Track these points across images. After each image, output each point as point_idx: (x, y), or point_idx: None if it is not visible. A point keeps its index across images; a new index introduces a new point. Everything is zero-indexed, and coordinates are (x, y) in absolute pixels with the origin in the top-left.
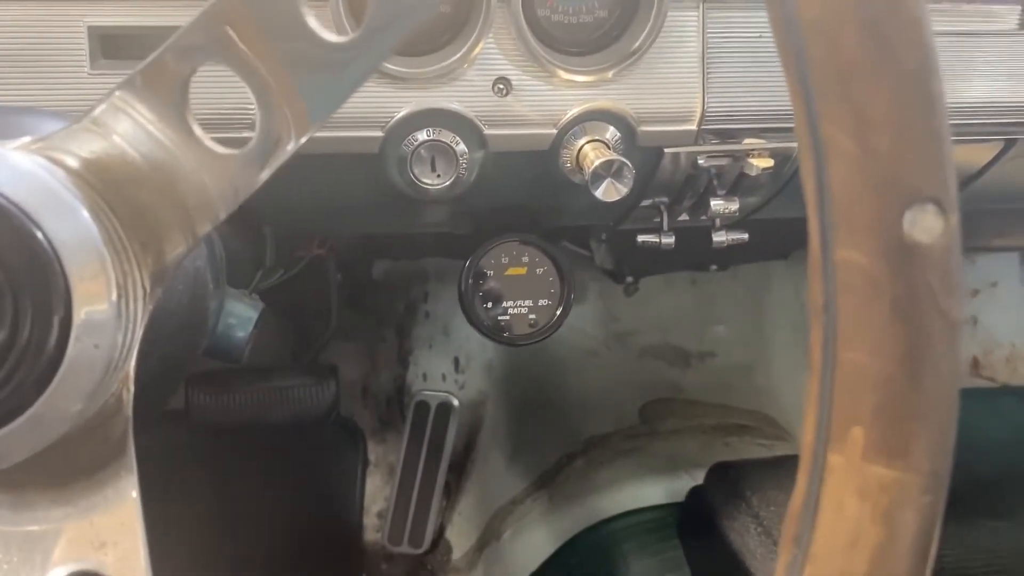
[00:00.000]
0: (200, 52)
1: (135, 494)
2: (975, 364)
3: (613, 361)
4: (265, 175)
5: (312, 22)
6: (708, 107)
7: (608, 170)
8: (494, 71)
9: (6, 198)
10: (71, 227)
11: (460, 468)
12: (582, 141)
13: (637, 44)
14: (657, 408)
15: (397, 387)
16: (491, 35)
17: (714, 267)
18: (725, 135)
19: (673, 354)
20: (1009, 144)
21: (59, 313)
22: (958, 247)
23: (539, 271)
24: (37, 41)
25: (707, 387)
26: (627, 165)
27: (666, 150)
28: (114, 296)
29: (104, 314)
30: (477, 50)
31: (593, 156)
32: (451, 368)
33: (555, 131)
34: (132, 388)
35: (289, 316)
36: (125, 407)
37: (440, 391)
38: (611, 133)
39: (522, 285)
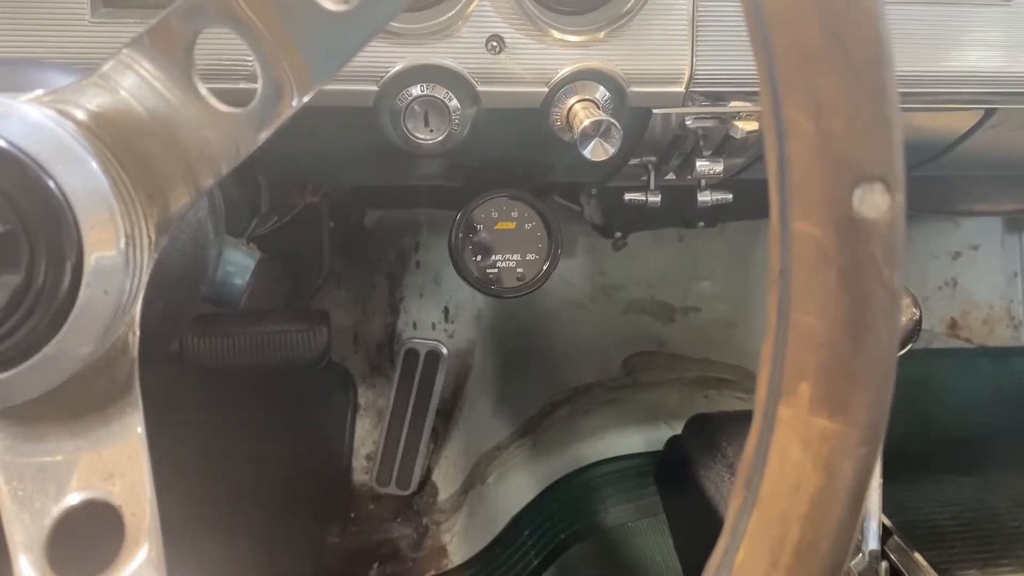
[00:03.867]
0: (205, 14)
1: (140, 429)
2: (952, 325)
3: (599, 314)
4: (266, 134)
5: None
6: (696, 70)
7: (597, 130)
8: (488, 29)
9: (20, 149)
10: (82, 177)
11: (448, 414)
12: (572, 100)
13: (629, 5)
14: (640, 360)
15: (388, 334)
16: None
17: (702, 224)
18: (713, 97)
19: (658, 308)
20: (989, 112)
21: (71, 259)
22: (902, 223)
23: (528, 226)
24: None
25: (690, 341)
26: (615, 125)
27: (654, 111)
28: (122, 244)
29: (113, 261)
30: (472, 7)
31: (583, 115)
32: (441, 317)
33: (546, 89)
34: (137, 332)
35: (282, 262)
36: (131, 349)
37: (429, 339)
38: (601, 93)
39: (511, 239)
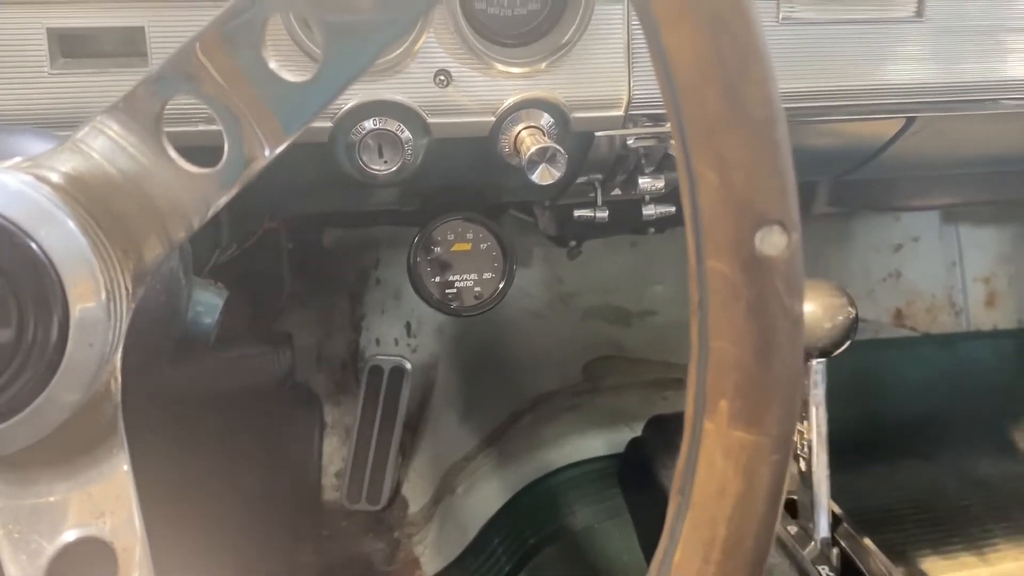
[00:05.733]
0: (174, 84)
1: (126, 468)
2: (898, 315)
3: (558, 322)
4: (234, 191)
5: (273, 65)
6: (634, 94)
7: (543, 156)
8: (435, 64)
9: (3, 216)
10: (62, 238)
11: (414, 428)
12: (519, 127)
13: (567, 37)
14: (600, 366)
15: (351, 352)
16: (431, 30)
17: (652, 230)
18: (652, 119)
19: (615, 314)
20: (910, 120)
21: (58, 314)
22: (800, 258)
23: (483, 246)
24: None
25: (647, 344)
26: (560, 152)
27: (596, 134)
28: (103, 297)
29: (96, 313)
30: (419, 44)
31: (529, 142)
32: (403, 332)
33: (493, 119)
34: (119, 377)
35: (243, 286)
36: (114, 394)
37: (393, 355)
38: (546, 120)
39: (467, 259)
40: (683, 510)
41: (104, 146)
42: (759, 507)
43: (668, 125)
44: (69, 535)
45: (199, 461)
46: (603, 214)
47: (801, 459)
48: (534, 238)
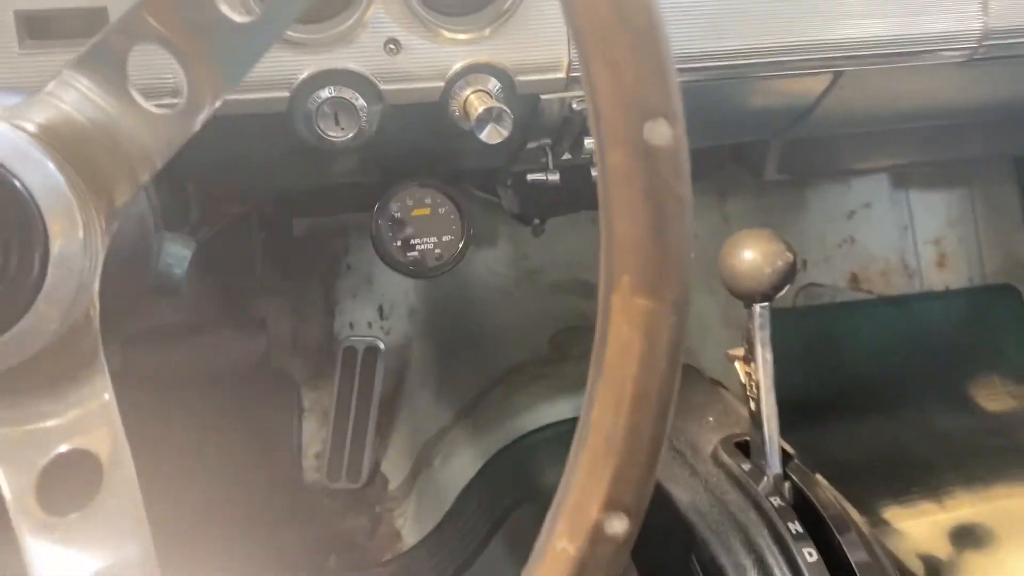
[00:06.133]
0: (131, 34)
1: (108, 394)
2: (854, 279)
3: (525, 297)
4: (194, 129)
5: (223, 7)
6: (574, 57)
7: (490, 116)
8: (384, 33)
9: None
10: (42, 177)
11: (390, 406)
12: (468, 92)
13: (508, 4)
14: (566, 336)
15: (326, 337)
16: (380, 1)
17: None
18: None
19: (580, 287)
20: (837, 75)
21: (39, 245)
22: (685, 148)
23: (441, 210)
24: None
25: None
26: (506, 111)
27: (542, 97)
28: (80, 230)
29: (74, 245)
30: (368, 14)
31: (477, 104)
32: (376, 316)
33: (443, 84)
34: (97, 307)
35: (215, 274)
36: (93, 323)
37: (367, 336)
38: (492, 83)
39: (427, 224)
40: (597, 376)
41: (73, 97)
42: (661, 364)
43: None
44: (57, 448)
45: (176, 446)
46: (555, 177)
47: (751, 400)
48: (499, 217)
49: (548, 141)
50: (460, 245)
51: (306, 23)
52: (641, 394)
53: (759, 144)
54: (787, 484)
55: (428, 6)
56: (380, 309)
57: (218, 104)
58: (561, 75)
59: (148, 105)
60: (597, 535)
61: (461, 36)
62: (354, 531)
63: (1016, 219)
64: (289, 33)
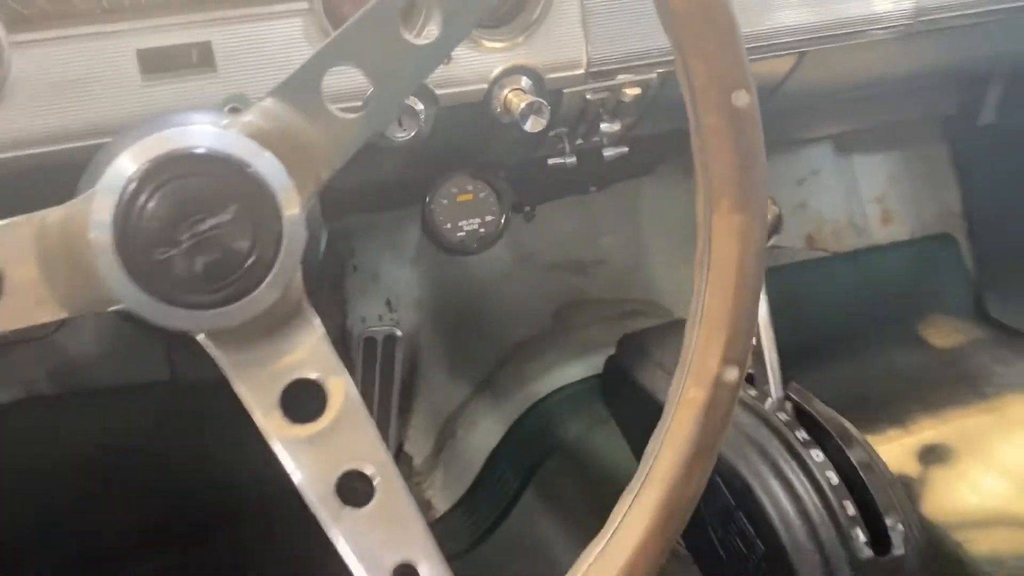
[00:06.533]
0: (328, 61)
1: (321, 331)
2: (809, 240)
3: (524, 278)
4: (368, 135)
5: (406, 35)
6: (591, 57)
7: (531, 109)
8: None
9: (232, 154)
10: (270, 168)
11: (408, 390)
12: (505, 91)
13: (535, 15)
14: (567, 309)
15: (340, 334)
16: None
17: (593, 188)
18: (606, 75)
19: (573, 265)
20: (802, 56)
21: (275, 225)
22: (758, 108)
23: (482, 195)
24: (94, 67)
25: (604, 287)
26: (544, 104)
27: (564, 91)
28: (301, 213)
29: (299, 222)
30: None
31: (516, 100)
32: (385, 309)
33: (486, 86)
34: (300, 270)
35: None
36: (299, 283)
37: (383, 326)
38: (525, 82)
39: (471, 207)
40: (706, 271)
41: (277, 110)
42: (754, 258)
43: (618, 78)
44: (287, 378)
45: (213, 447)
46: (572, 159)
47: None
48: None
49: (565, 129)
50: (500, 223)
51: None
52: (742, 280)
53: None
54: (788, 404)
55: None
56: (388, 302)
57: (397, 113)
58: (581, 71)
59: (338, 112)
60: (718, 382)
61: (499, 44)
62: None
63: (948, 174)
64: None
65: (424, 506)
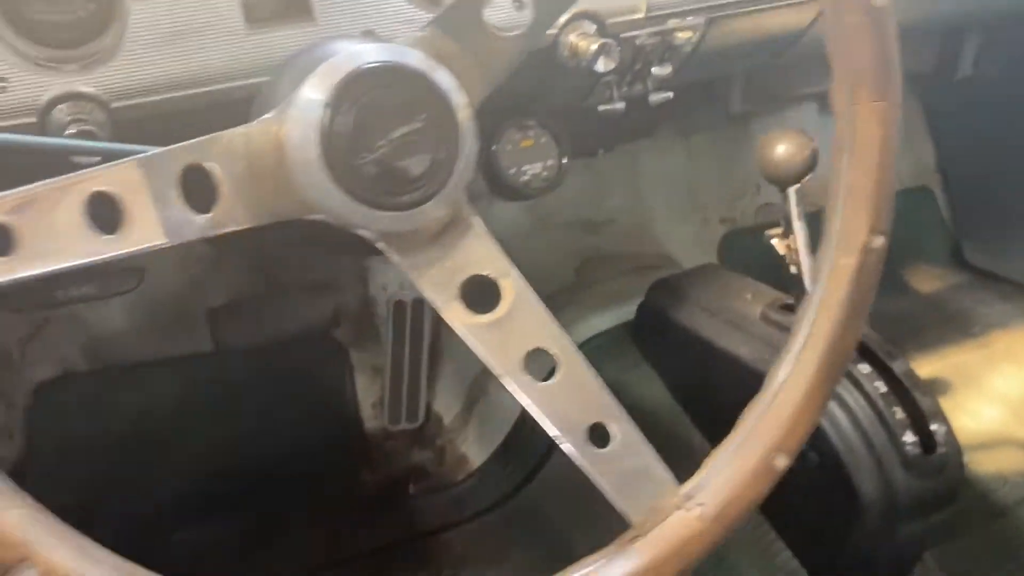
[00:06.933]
0: None
1: (486, 231)
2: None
3: (541, 240)
4: (524, 54)
5: None
6: (649, 1)
7: (602, 50)
8: None
9: (418, 69)
10: (446, 82)
11: (434, 352)
12: (571, 36)
13: None
14: (587, 266)
15: (363, 302)
16: None
17: (601, 151)
18: (659, 20)
19: (586, 225)
20: None
21: (454, 133)
22: (893, 10)
23: (542, 140)
24: (201, 17)
25: (618, 244)
26: (614, 43)
27: (622, 36)
28: (471, 120)
29: (472, 131)
30: None
31: (586, 43)
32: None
33: (556, 31)
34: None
35: (253, 257)
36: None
37: (410, 291)
38: (587, 25)
39: (533, 152)
40: (847, 155)
41: (441, 33)
42: (892, 139)
43: (670, 23)
44: (464, 275)
45: (245, 415)
46: (620, 105)
47: (791, 265)
48: None
49: (613, 77)
50: (562, 163)
51: None
52: (885, 159)
53: (724, 82)
54: None
55: None
56: None
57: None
58: (640, 16)
59: (497, 32)
60: (867, 249)
61: None
62: (423, 462)
63: (922, 130)
64: None
65: (461, 460)
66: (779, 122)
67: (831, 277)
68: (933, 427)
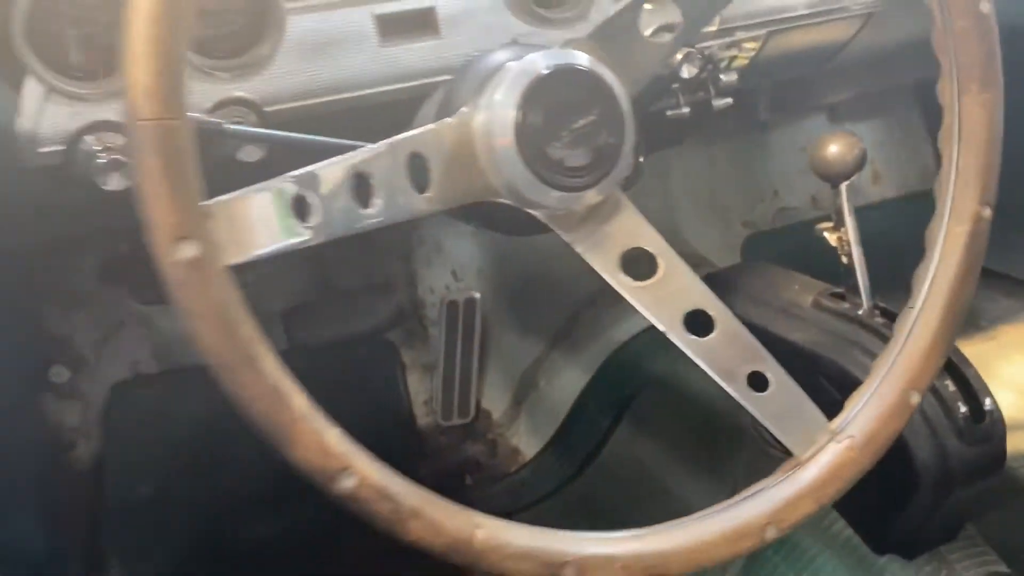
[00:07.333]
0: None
1: (636, 211)
2: (813, 200)
3: None
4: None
5: None
6: (723, 13)
7: (688, 58)
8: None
9: (592, 70)
10: (611, 80)
11: (481, 350)
12: None
13: None
14: (630, 261)
15: (413, 304)
16: None
17: (640, 158)
18: (729, 31)
19: None
20: (868, 16)
21: (618, 119)
22: (995, 16)
23: None
24: (341, 31)
25: None
26: (697, 52)
27: (696, 45)
28: (632, 115)
29: (633, 125)
30: None
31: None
32: (451, 278)
33: None
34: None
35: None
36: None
37: (462, 291)
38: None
39: None
40: (955, 141)
41: (601, 39)
42: (1001, 127)
43: (738, 34)
44: (622, 247)
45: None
46: (686, 110)
47: (843, 256)
48: None
49: (680, 84)
50: (637, 164)
51: None
52: (992, 141)
53: (751, 93)
54: (877, 311)
55: None
56: (453, 272)
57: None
58: (713, 27)
59: (649, 38)
60: (978, 218)
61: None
62: (476, 455)
63: (924, 136)
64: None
65: (513, 452)
66: (795, 131)
67: (948, 242)
68: (983, 399)
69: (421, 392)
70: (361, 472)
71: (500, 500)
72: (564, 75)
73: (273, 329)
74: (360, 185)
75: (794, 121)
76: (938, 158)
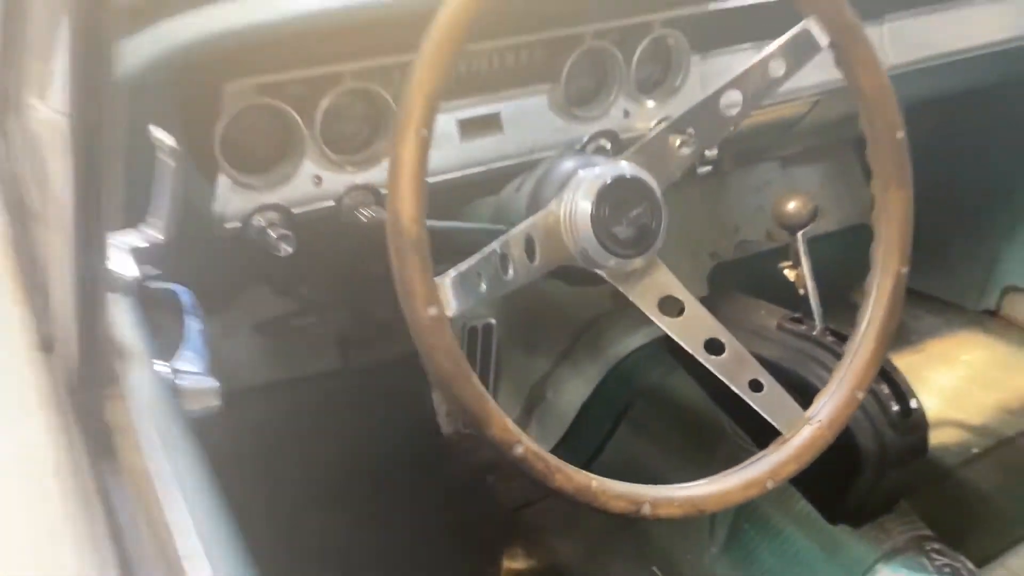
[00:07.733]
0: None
1: (667, 270)
2: (768, 235)
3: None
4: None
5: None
6: None
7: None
8: None
9: (640, 177)
10: (652, 182)
11: (497, 368)
12: None
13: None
14: (619, 294)
15: None
16: None
17: None
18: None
19: None
20: (815, 102)
21: (658, 217)
22: (907, 142)
23: None
24: (443, 130)
25: None
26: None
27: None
28: (665, 206)
29: (666, 213)
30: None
31: None
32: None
33: None
34: None
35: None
36: None
37: (480, 317)
38: None
39: None
40: (884, 223)
41: (643, 153)
42: (911, 213)
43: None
44: (659, 295)
45: (334, 434)
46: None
47: (800, 288)
48: None
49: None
50: None
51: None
52: (908, 220)
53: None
54: (827, 331)
55: None
56: None
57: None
58: None
59: (675, 151)
60: (898, 274)
61: None
62: (495, 457)
63: (860, 180)
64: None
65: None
66: (752, 175)
67: (879, 290)
68: (910, 400)
69: (444, 406)
70: (526, 444)
71: (518, 493)
72: (621, 181)
73: (331, 353)
74: (503, 261)
75: (751, 167)
76: (872, 198)
